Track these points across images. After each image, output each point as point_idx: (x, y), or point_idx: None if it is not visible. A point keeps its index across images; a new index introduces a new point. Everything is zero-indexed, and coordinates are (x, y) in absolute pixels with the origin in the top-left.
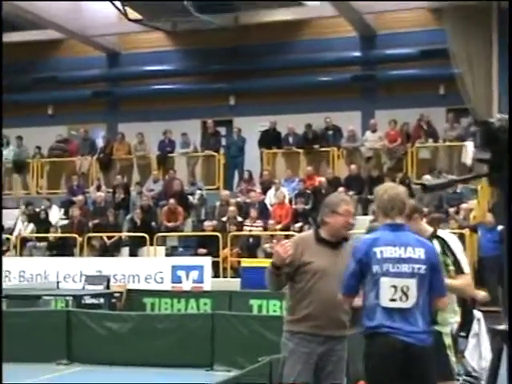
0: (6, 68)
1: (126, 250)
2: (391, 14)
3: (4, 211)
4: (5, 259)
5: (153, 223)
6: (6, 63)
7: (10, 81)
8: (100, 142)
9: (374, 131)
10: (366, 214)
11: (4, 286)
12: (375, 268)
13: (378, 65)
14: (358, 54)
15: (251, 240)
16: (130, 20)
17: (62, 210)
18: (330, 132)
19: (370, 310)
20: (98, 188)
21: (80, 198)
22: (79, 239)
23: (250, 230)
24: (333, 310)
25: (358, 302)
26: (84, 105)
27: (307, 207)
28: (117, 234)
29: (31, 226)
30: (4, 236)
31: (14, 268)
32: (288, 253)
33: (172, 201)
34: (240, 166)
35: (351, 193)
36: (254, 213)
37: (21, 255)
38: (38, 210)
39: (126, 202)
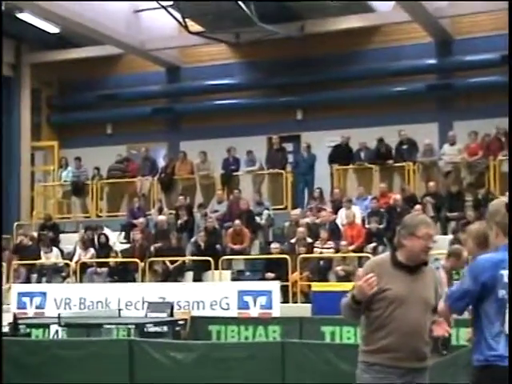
0: (64, 86)
1: (189, 275)
2: (468, 17)
3: (63, 236)
4: (64, 286)
5: (218, 246)
6: (62, 81)
7: (67, 100)
8: (161, 162)
9: (452, 144)
10: (445, 233)
11: (64, 313)
12: (501, 293)
13: (456, 72)
14: (433, 61)
15: (322, 263)
16: (190, 33)
17: (123, 234)
18: (405, 146)
19: (492, 337)
20: (160, 210)
21: (141, 220)
22: (141, 264)
23: (321, 252)
24: (413, 340)
25: (438, 330)
26: (144, 123)
27: (381, 227)
28: (180, 258)
29: (91, 250)
30: (63, 262)
31: (74, 295)
32: (373, 289)
33: (238, 222)
34: (309, 183)
35: (429, 210)
36: (324, 234)
37: (81, 282)
38: (97, 233)
39: (190, 225)
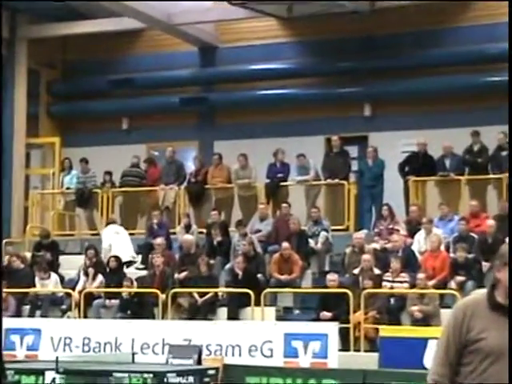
0: (68, 69)
1: (223, 312)
2: None
3: (63, 258)
4: (64, 322)
5: (259, 275)
6: (67, 62)
7: (72, 86)
8: (190, 166)
9: None
10: None
11: (63, 357)
12: None
13: None
14: None
15: (393, 300)
16: (230, 3)
17: (140, 257)
18: (504, 153)
19: None
20: (187, 228)
21: (162, 240)
22: (161, 296)
23: (392, 287)
24: None
25: None
26: (169, 116)
27: (471, 256)
28: (211, 290)
29: (99, 277)
30: (63, 291)
31: (76, 334)
32: None
33: (286, 245)
34: (378, 198)
35: None
36: (396, 263)
37: (85, 317)
38: (107, 256)
39: (224, 247)
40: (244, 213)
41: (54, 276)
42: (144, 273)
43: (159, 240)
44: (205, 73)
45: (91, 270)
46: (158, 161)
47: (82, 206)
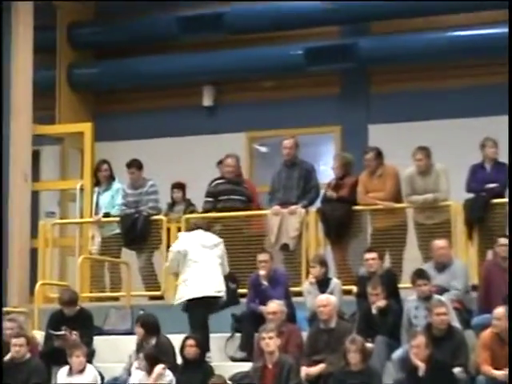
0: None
1: None
2: None
3: (101, 340)
4: None
5: (457, 369)
6: None
7: (112, 31)
8: (325, 172)
9: None
10: None
11: None
12: None
13: None
14: None
15: None
16: None
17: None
18: None
19: None
20: (322, 283)
21: (280, 307)
22: None
23: None
24: None
25: None
26: (284, 83)
27: None
28: None
29: (168, 376)
30: None
31: None
32: None
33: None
34: None
35: None
36: None
37: None
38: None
39: (390, 318)
40: (424, 253)
41: (89, 370)
42: (246, 366)
43: (274, 306)
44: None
45: (146, 361)
46: (267, 161)
47: (133, 245)
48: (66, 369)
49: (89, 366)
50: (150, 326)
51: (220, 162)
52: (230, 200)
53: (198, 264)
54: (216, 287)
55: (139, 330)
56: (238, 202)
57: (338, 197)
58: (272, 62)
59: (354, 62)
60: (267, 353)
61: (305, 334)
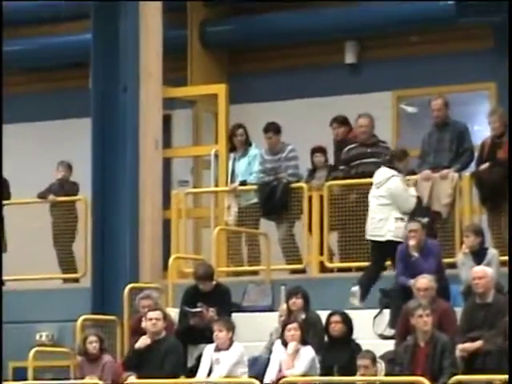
0: None
1: None
2: None
3: (240, 317)
4: None
5: None
6: None
7: None
8: (479, 133)
9: None
10: None
11: None
12: None
13: None
14: None
15: None
16: None
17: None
18: None
19: None
20: (478, 254)
21: (428, 282)
22: None
23: None
24: None
25: None
26: (434, 36)
27: None
28: None
29: (307, 354)
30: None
31: None
32: None
33: None
34: None
35: None
36: None
37: None
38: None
39: None
40: None
41: (236, 347)
42: None
43: (424, 282)
44: None
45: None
46: (415, 122)
47: (272, 215)
48: (212, 346)
49: (235, 342)
50: (308, 298)
51: (333, 122)
52: (362, 164)
53: None
54: None
55: (298, 302)
56: (371, 165)
57: (493, 160)
58: (420, 14)
59: (508, 14)
60: (421, 331)
61: (459, 310)
